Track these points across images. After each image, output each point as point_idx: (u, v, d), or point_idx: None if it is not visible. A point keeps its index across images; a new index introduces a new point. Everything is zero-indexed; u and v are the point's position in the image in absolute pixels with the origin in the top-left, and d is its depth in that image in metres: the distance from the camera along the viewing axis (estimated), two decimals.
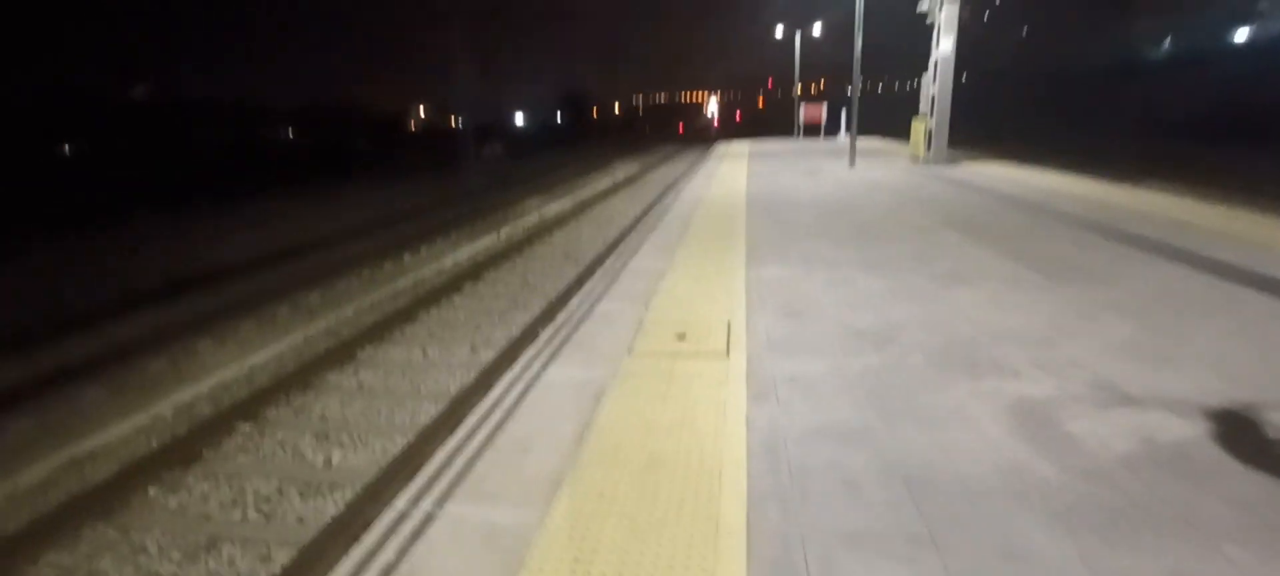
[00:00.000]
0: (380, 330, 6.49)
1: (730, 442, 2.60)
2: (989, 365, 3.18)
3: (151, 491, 4.02)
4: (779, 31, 27.29)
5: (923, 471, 2.31)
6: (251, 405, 4.96)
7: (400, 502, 2.38)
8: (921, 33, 12.47)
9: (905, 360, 3.31)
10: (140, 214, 15.08)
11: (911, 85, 13.39)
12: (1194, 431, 2.46)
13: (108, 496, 3.86)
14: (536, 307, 7.11)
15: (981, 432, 2.57)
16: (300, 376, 5.45)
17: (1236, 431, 2.42)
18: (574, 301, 4.88)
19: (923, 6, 12.16)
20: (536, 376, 3.38)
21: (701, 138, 50.28)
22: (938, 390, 2.96)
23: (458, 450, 2.71)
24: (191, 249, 11.05)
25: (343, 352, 5.95)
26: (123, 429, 4.84)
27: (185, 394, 5.41)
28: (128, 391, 5.42)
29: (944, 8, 11.77)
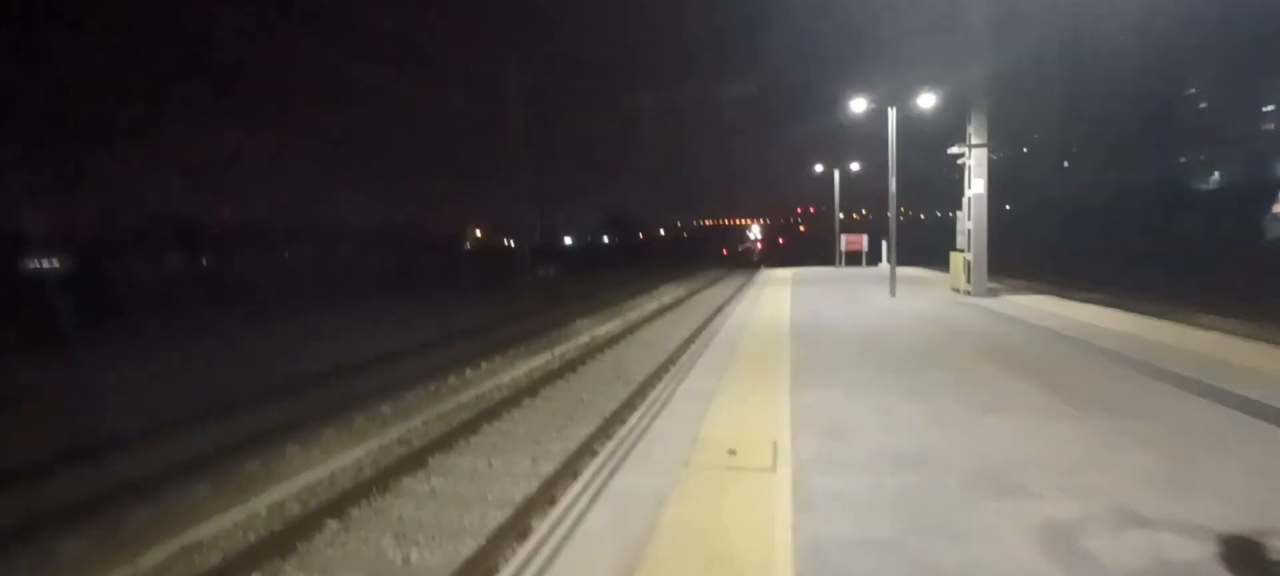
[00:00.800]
0: (448, 440, 7.04)
1: (779, 547, 2.97)
2: (1017, 488, 3.49)
3: None
4: (819, 168, 28.82)
5: None
6: (337, 504, 5.49)
7: None
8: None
9: (940, 481, 3.65)
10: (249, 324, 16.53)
11: (953, 214, 14.00)
12: (1203, 552, 2.72)
13: None
14: (592, 424, 7.56)
15: (1006, 548, 2.88)
16: (378, 480, 5.99)
17: (1241, 553, 2.68)
18: (633, 418, 5.36)
19: (953, 149, 13.01)
20: (604, 483, 3.83)
21: (745, 261, 51.59)
22: (968, 509, 3.28)
23: (541, 543, 3.15)
24: (272, 360, 12.05)
25: (415, 460, 6.49)
26: (223, 522, 5.41)
27: (276, 493, 5.99)
28: (225, 489, 6.02)
29: (973, 152, 12.59)
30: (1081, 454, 3.97)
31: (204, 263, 39.56)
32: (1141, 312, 9.88)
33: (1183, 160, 57.66)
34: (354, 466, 6.60)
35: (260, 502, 5.76)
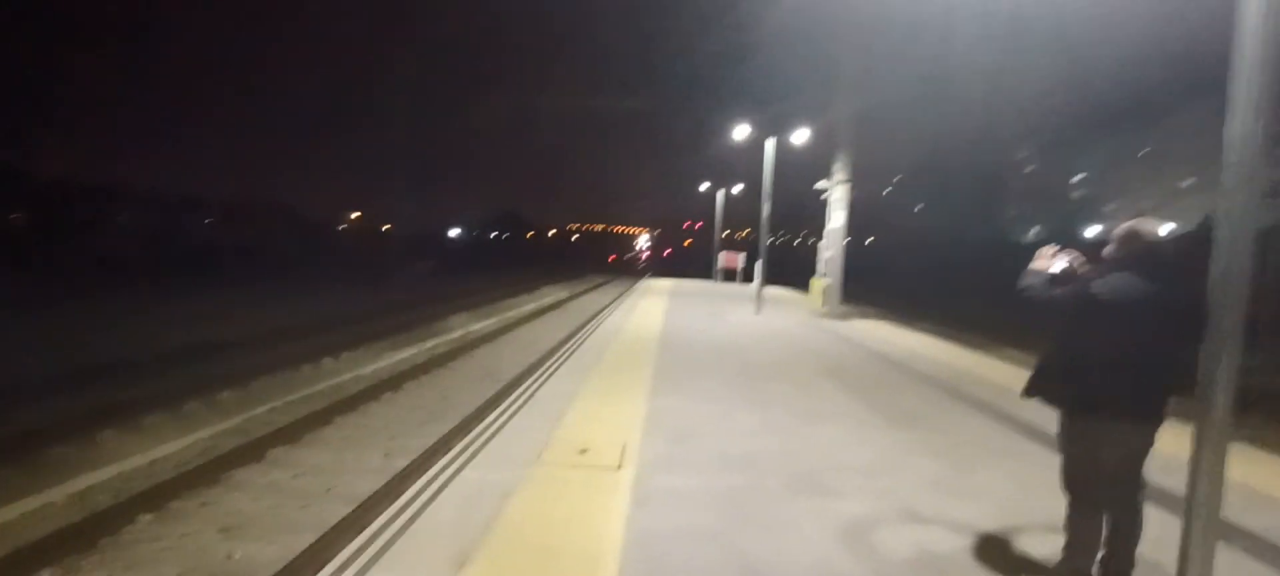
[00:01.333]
0: (293, 432, 6.65)
1: (610, 537, 3.17)
2: (825, 489, 3.95)
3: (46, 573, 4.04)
4: (704, 185, 30.05)
5: (757, 564, 2.97)
6: (154, 497, 5.03)
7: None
8: None
9: (762, 481, 4.04)
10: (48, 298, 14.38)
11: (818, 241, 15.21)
12: (961, 544, 3.27)
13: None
14: (453, 420, 7.45)
15: (808, 538, 3.28)
16: (207, 471, 5.55)
17: (992, 546, 3.26)
18: (492, 415, 5.40)
19: (819, 185, 14.19)
20: (453, 477, 3.86)
21: (630, 269, 52.54)
22: (782, 505, 3.68)
23: (379, 531, 3.14)
24: (99, 338, 10.72)
25: (252, 451, 6.07)
26: (19, 510, 4.79)
27: (82, 482, 5.38)
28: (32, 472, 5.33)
29: (836, 188, 13.81)
30: (883, 460, 4.55)
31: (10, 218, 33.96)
32: (961, 343, 11.30)
33: (1012, 214, 66.23)
34: (179, 455, 6.06)
35: (58, 493, 5.15)
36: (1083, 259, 2.78)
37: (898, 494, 3.90)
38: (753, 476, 4.11)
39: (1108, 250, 2.68)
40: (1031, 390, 2.82)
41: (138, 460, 5.87)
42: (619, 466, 4.18)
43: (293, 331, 12.18)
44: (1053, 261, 2.80)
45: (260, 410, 7.50)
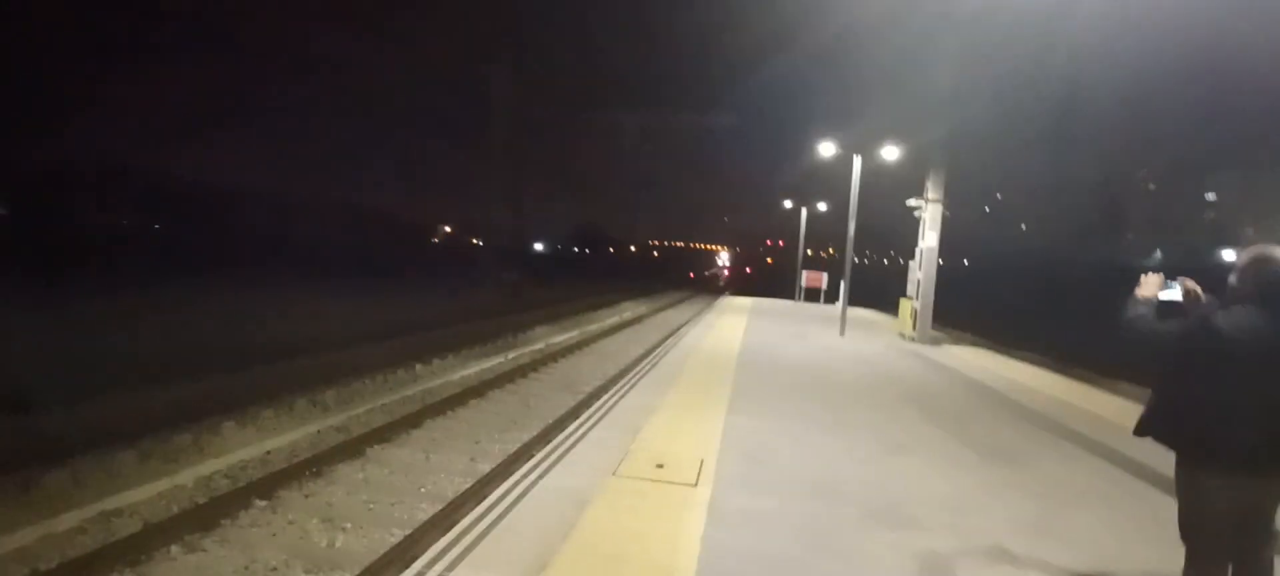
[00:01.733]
0: (389, 431, 7.08)
1: (686, 555, 3.19)
2: (907, 521, 3.79)
3: (173, 549, 4.50)
4: (788, 203, 29.53)
5: None
6: (267, 484, 5.50)
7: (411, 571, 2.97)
8: None
9: (842, 509, 3.92)
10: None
11: (909, 261, 14.60)
12: None
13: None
14: (534, 429, 7.68)
15: (885, 571, 3.16)
16: (312, 464, 6.01)
17: None
18: (573, 426, 5.54)
19: (911, 202, 13.62)
20: (534, 483, 4.00)
21: (710, 285, 52.26)
22: (859, 535, 3.56)
23: (465, 531, 3.31)
24: (213, 333, 11.84)
25: (352, 448, 6.51)
26: (150, 492, 5.37)
27: (205, 468, 5.96)
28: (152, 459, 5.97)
29: (928, 207, 13.21)
30: (972, 496, 4.30)
31: (156, 227, 38.34)
32: (1066, 374, 10.48)
33: (1130, 237, 60.87)
34: (289, 448, 6.60)
35: (189, 475, 5.74)
36: (1198, 289, 2.53)
37: (986, 532, 3.68)
38: (832, 504, 4.00)
39: (1231, 279, 2.44)
40: (1143, 428, 2.60)
41: (253, 450, 6.45)
42: (695, 483, 4.19)
43: (388, 333, 12.95)
44: (1159, 290, 2.57)
45: (359, 410, 8.04)
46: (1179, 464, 2.48)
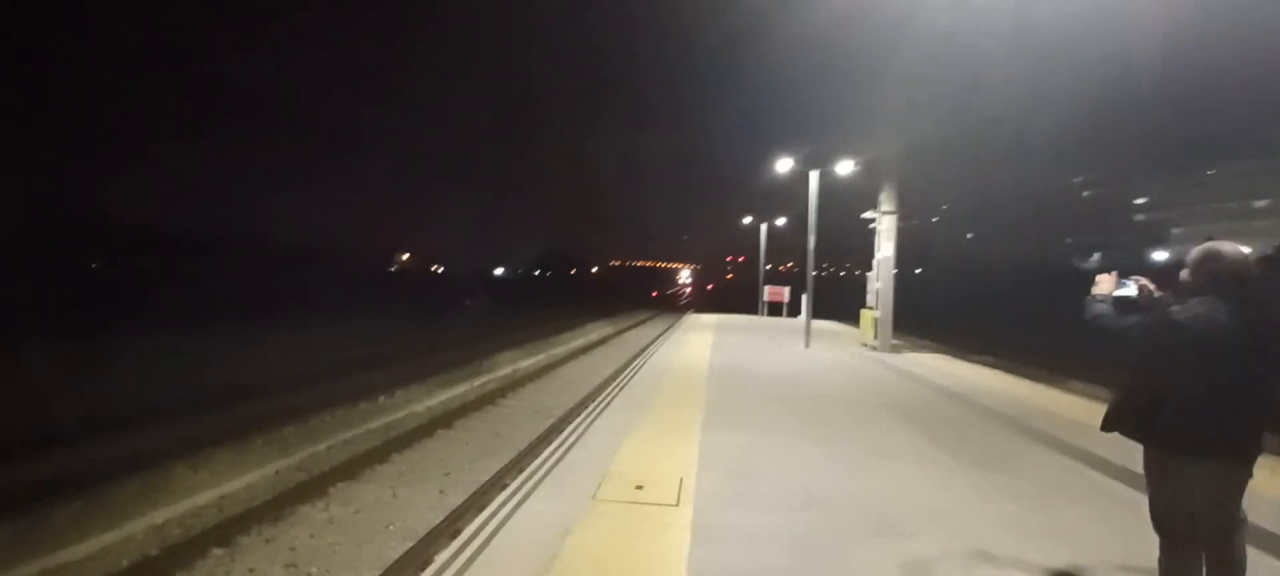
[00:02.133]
0: (352, 468, 6.80)
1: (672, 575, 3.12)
2: (893, 528, 3.80)
3: None
4: (747, 220, 29.96)
5: None
6: (224, 531, 5.20)
7: None
8: None
9: (827, 520, 3.92)
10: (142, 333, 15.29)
11: (867, 272, 14.93)
12: None
13: None
14: (506, 456, 7.50)
15: None
16: (273, 507, 5.72)
17: None
18: (546, 451, 5.42)
19: (866, 215, 13.98)
20: (511, 514, 3.88)
21: (673, 304, 52.46)
22: (850, 546, 3.55)
23: (442, 569, 3.17)
24: (173, 375, 11.27)
25: (314, 487, 6.23)
26: (95, 546, 5.02)
27: (158, 516, 5.61)
28: (106, 509, 5.59)
29: (883, 219, 13.58)
30: (953, 500, 4.36)
31: (93, 267, 36.50)
32: (1022, 376, 10.82)
33: (1068, 241, 63.79)
34: (246, 491, 6.27)
35: (138, 526, 5.38)
36: (1152, 285, 2.65)
37: (971, 534, 3.72)
38: (817, 515, 3.99)
39: (1184, 274, 2.55)
40: (1110, 423, 2.68)
41: (208, 495, 6.11)
42: (676, 503, 4.12)
43: (348, 369, 12.54)
44: (1114, 288, 2.68)
45: (320, 447, 7.72)
46: (1148, 455, 2.56)
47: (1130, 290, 2.64)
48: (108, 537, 5.16)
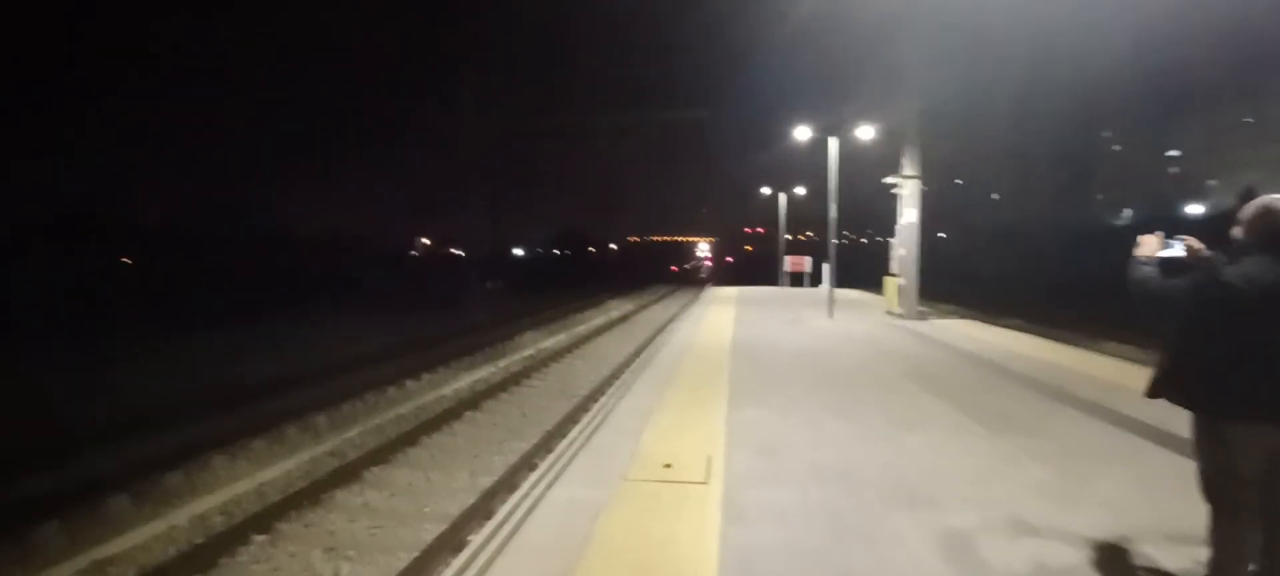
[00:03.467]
0: (385, 453, 6.92)
1: (706, 555, 3.13)
2: (926, 499, 3.76)
3: None
4: (766, 190, 29.64)
5: None
6: (264, 518, 5.34)
7: None
8: None
9: (858, 493, 3.89)
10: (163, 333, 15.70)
11: (891, 239, 14.70)
12: (1080, 558, 3.03)
13: None
14: (533, 438, 7.58)
15: (914, 553, 3.13)
16: (310, 493, 5.85)
17: (1114, 558, 3.01)
18: (571, 432, 5.45)
19: (888, 180, 13.71)
20: (542, 495, 3.91)
21: (692, 278, 52.33)
22: (881, 518, 3.53)
23: (477, 553, 3.21)
24: (211, 368, 11.54)
25: (349, 472, 6.36)
26: (141, 536, 5.19)
27: (200, 505, 5.78)
28: (148, 502, 5.77)
29: (906, 183, 13.30)
30: (986, 468, 4.30)
31: (124, 261, 37.44)
32: (1053, 339, 10.62)
33: (1099, 198, 62.07)
34: (283, 478, 6.43)
35: (182, 515, 5.55)
36: (1200, 244, 2.54)
37: (1005, 504, 3.67)
38: (847, 488, 3.96)
39: (1236, 232, 2.44)
40: (1156, 390, 2.59)
41: (247, 484, 6.27)
42: (706, 481, 4.13)
43: (376, 355, 12.73)
44: (1159, 249, 2.57)
45: (352, 433, 7.87)
46: (1197, 422, 2.48)
47: (1177, 250, 2.53)
48: (156, 526, 5.33)
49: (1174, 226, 2.70)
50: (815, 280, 26.05)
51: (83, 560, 4.79)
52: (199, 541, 5.00)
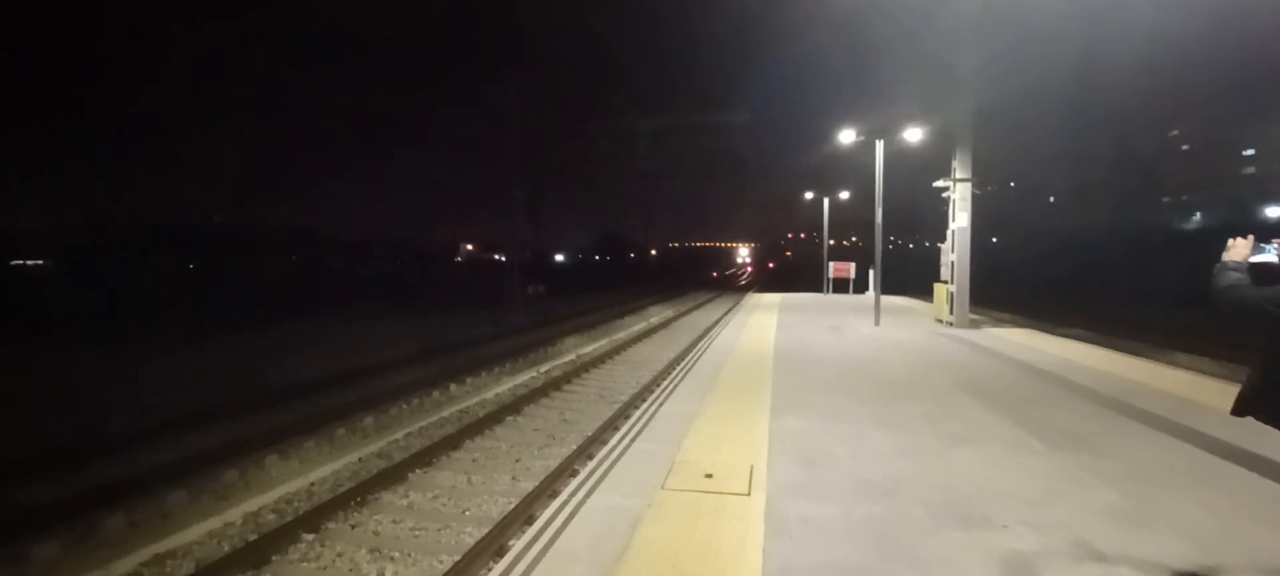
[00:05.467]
0: (429, 455, 7.03)
1: (748, 569, 3.03)
2: (981, 520, 3.58)
3: None
4: (809, 195, 29.12)
5: None
6: (313, 517, 5.48)
7: None
8: None
9: (907, 510, 3.73)
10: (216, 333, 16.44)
11: (939, 244, 14.23)
12: None
13: None
14: (573, 443, 7.58)
15: None
16: (357, 493, 5.97)
17: None
18: (614, 439, 5.41)
19: (938, 183, 13.27)
20: (582, 502, 3.88)
21: (733, 284, 51.86)
22: (932, 538, 3.36)
23: (515, 560, 3.20)
24: (258, 368, 11.98)
25: (395, 474, 6.47)
26: (201, 531, 5.39)
27: (253, 503, 5.97)
28: (208, 493, 6.01)
29: (958, 187, 12.85)
30: (1046, 487, 4.07)
31: (191, 267, 39.40)
32: (1118, 350, 10.07)
33: (1166, 200, 58.92)
34: (332, 479, 6.60)
35: (237, 512, 5.75)
36: None
37: (1068, 526, 3.46)
38: (896, 504, 3.80)
39: None
40: (1243, 407, 2.39)
41: (298, 483, 6.45)
42: (748, 492, 4.03)
43: (420, 357, 12.99)
44: (1251, 253, 2.37)
45: (398, 435, 8.03)
46: None
47: (1270, 255, 2.34)
48: (211, 523, 5.52)
49: (1254, 231, 2.49)
50: (861, 287, 25.45)
51: (145, 553, 4.99)
52: (252, 537, 5.17)
